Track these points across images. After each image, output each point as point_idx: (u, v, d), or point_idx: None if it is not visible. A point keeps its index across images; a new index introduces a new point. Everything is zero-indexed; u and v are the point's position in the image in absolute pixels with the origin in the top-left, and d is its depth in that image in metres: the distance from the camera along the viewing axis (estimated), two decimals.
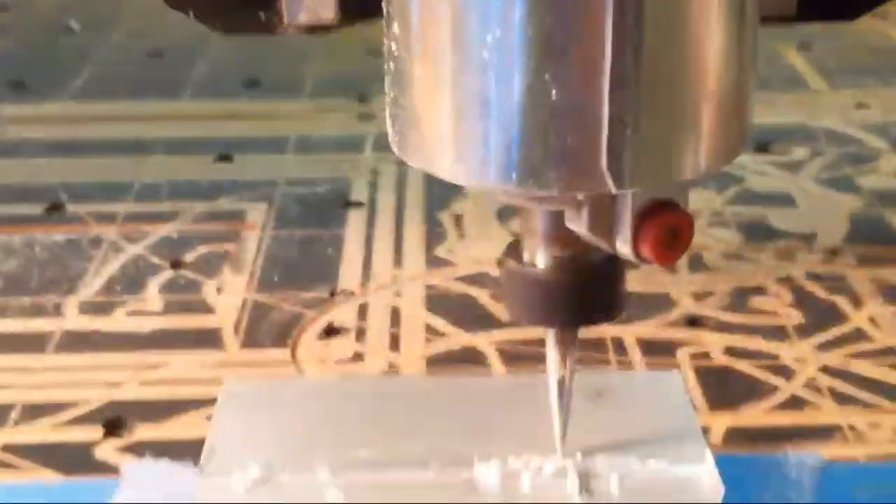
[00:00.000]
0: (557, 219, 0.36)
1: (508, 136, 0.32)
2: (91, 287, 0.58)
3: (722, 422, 0.47)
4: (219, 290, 0.57)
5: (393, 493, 0.38)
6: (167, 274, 0.59)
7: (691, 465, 0.38)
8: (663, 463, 0.38)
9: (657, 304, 0.55)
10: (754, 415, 0.47)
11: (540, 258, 0.37)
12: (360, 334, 0.53)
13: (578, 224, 0.35)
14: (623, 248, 0.34)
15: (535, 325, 0.38)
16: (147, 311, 0.55)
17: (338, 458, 0.39)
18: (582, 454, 0.39)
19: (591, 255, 0.36)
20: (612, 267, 0.37)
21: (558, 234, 0.36)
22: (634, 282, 0.52)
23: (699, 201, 0.65)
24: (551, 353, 0.39)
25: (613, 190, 0.32)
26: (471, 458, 0.39)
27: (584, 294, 0.37)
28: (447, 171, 0.34)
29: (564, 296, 0.37)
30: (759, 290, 0.57)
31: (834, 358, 0.51)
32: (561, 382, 0.38)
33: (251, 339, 0.53)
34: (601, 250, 0.35)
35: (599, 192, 0.33)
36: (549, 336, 0.38)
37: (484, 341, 0.53)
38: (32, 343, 0.53)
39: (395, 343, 0.52)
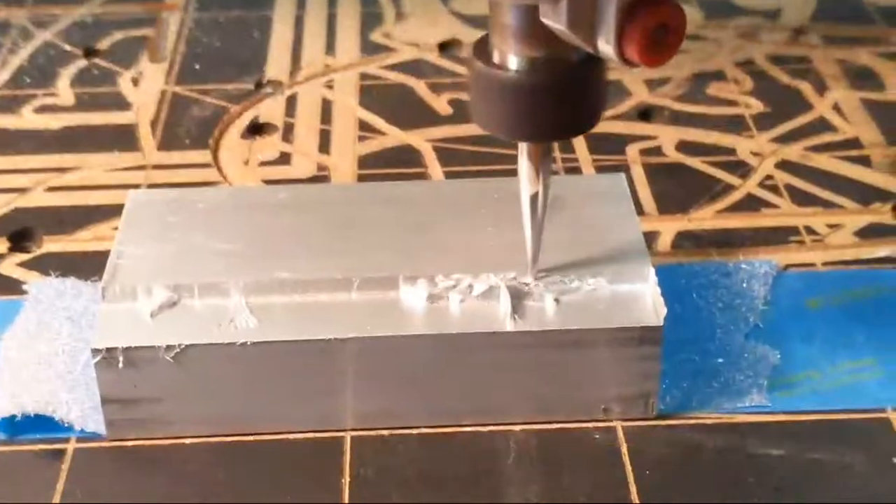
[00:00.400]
0: (531, 14, 0.31)
1: None
2: None
3: (672, 226, 0.44)
4: (135, 81, 0.53)
5: (310, 316, 0.35)
6: (80, 63, 0.54)
7: (634, 283, 0.35)
8: (603, 281, 0.36)
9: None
10: (706, 217, 0.44)
11: (512, 59, 0.32)
12: (288, 131, 0.49)
13: (555, 19, 0.30)
14: (605, 47, 0.30)
15: (506, 136, 0.34)
16: (58, 106, 0.51)
17: (252, 278, 0.36)
18: (516, 272, 0.36)
19: (569, 56, 0.32)
20: (593, 69, 0.32)
21: (533, 31, 0.31)
22: None
23: None
24: (523, 166, 0.34)
25: None
26: (395, 278, 0.36)
27: (562, 102, 0.32)
28: None
29: (541, 103, 0.32)
30: (718, 76, 0.53)
31: (794, 152, 0.48)
32: (534, 199, 0.35)
33: (169, 138, 0.49)
34: (578, 51, 0.31)
35: None
36: (522, 148, 0.34)
37: (420, 139, 0.49)
38: None
39: (325, 142, 0.49)
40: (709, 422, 0.35)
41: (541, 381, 0.35)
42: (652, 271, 0.36)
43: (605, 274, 0.36)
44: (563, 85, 0.32)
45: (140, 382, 0.34)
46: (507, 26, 0.32)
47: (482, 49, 0.33)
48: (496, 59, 0.32)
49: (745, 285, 0.40)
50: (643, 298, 0.35)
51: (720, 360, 0.37)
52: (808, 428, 0.35)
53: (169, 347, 0.34)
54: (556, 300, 0.35)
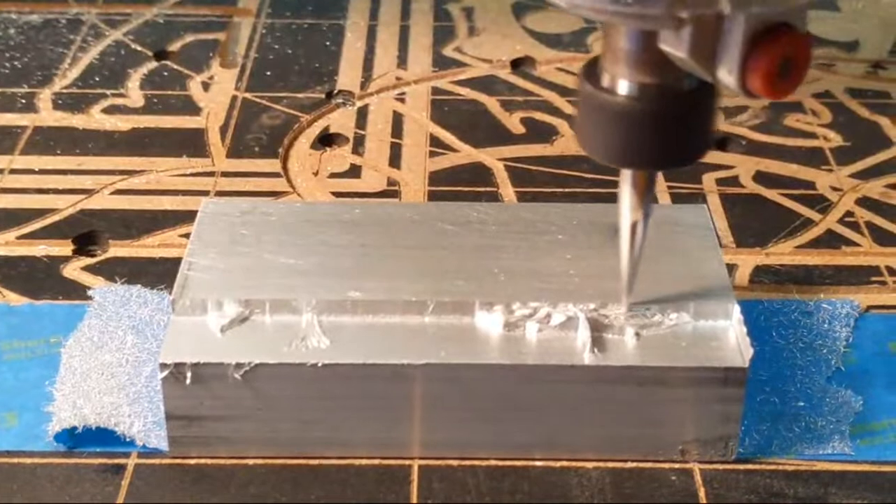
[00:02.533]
0: (647, 39, 0.30)
1: None
2: (67, 78, 0.53)
3: (749, 259, 0.43)
4: (206, 85, 0.52)
5: (382, 338, 0.34)
6: (150, 65, 0.54)
7: (717, 319, 0.34)
8: (686, 316, 0.34)
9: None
10: (785, 252, 0.43)
11: (622, 84, 0.31)
12: (358, 144, 0.49)
13: (676, 46, 0.29)
14: (726, 77, 0.29)
15: (612, 163, 0.32)
16: (127, 107, 0.51)
17: (324, 297, 0.35)
18: (596, 302, 0.34)
19: (680, 84, 0.31)
20: (703, 99, 0.31)
21: (647, 57, 0.30)
22: None
23: None
24: (626, 194, 0.33)
25: (728, 9, 0.27)
26: (471, 304, 0.35)
27: (672, 131, 0.31)
28: None
29: (650, 132, 0.31)
30: (796, 107, 0.52)
31: (874, 188, 0.47)
32: (633, 227, 0.34)
33: (239, 144, 0.48)
34: (692, 78, 0.30)
35: (712, 11, 0.27)
36: (625, 176, 0.33)
37: (492, 157, 0.48)
38: (0, 140, 0.48)
39: (395, 156, 0.48)
40: (789, 468, 0.34)
41: (617, 417, 0.34)
42: (737, 308, 0.34)
43: (688, 308, 0.35)
44: (674, 114, 0.31)
45: (206, 399, 0.33)
46: (620, 50, 0.31)
47: (591, 71, 0.32)
48: (605, 82, 0.31)
49: (826, 326, 0.39)
50: (727, 336, 0.34)
51: (801, 404, 0.36)
52: (892, 479, 0.34)
53: (238, 365, 0.33)
54: (637, 334, 0.34)
